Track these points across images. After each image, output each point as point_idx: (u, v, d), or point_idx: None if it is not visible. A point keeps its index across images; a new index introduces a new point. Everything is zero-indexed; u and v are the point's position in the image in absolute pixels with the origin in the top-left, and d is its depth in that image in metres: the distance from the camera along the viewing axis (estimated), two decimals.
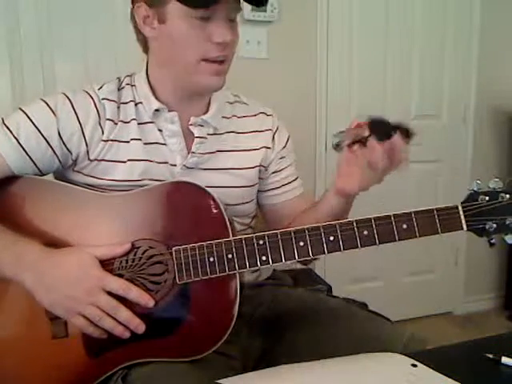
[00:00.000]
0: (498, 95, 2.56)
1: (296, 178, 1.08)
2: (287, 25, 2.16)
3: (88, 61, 1.91)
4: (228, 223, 0.83)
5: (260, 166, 1.02)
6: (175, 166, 0.94)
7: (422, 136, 2.60)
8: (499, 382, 0.77)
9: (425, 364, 0.75)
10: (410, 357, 0.78)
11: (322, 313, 0.98)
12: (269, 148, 1.03)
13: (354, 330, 0.92)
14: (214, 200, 0.84)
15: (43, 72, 1.87)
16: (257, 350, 0.98)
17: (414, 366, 0.75)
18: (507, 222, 0.80)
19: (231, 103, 1.03)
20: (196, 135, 0.95)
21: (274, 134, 1.05)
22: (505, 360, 0.78)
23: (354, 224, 0.80)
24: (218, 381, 0.76)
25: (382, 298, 2.04)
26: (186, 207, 0.85)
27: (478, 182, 0.82)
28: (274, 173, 1.05)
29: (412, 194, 2.45)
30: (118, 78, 0.99)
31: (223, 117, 1.00)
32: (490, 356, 0.79)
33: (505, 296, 2.75)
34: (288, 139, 1.07)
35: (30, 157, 0.88)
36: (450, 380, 0.71)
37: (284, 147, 1.06)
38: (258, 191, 1.06)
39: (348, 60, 2.31)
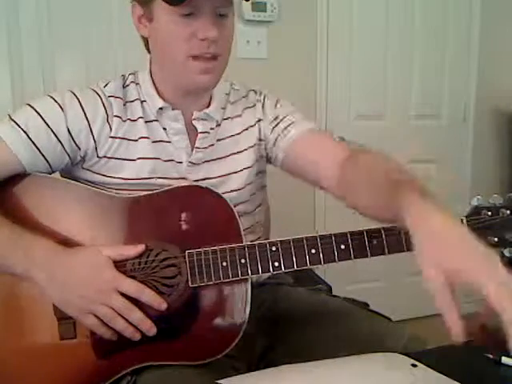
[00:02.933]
0: (498, 95, 2.56)
1: (297, 121, 1.00)
2: (287, 25, 2.16)
3: (88, 61, 1.91)
4: (241, 228, 0.84)
5: (258, 140, 1.01)
6: (181, 163, 0.94)
7: (422, 136, 2.60)
8: (499, 381, 0.77)
9: (425, 364, 0.75)
10: (410, 357, 0.78)
11: (323, 312, 0.98)
12: (261, 120, 1.02)
13: (354, 330, 0.92)
14: (227, 204, 0.84)
15: (43, 72, 1.87)
16: (259, 350, 0.98)
17: (414, 365, 0.75)
18: (507, 237, 0.84)
19: (227, 94, 1.03)
20: (200, 130, 0.95)
21: (263, 103, 1.03)
22: (505, 360, 0.78)
23: (365, 234, 0.82)
24: (219, 381, 0.76)
25: (382, 298, 2.04)
26: (200, 211, 0.85)
27: (479, 197, 0.85)
28: (271, 131, 1.01)
29: None
30: (123, 76, 0.99)
31: (221, 108, 1.00)
32: (490, 356, 0.79)
33: None
34: (277, 101, 1.04)
35: (40, 152, 0.87)
36: (450, 380, 0.71)
37: (274, 108, 1.02)
38: (268, 156, 1.03)
39: (348, 60, 2.31)
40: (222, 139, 0.99)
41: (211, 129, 0.97)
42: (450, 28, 2.45)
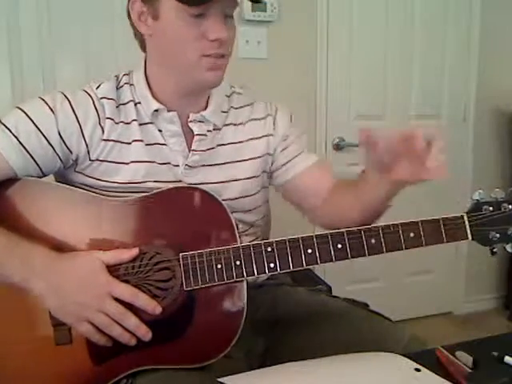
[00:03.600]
0: (498, 95, 2.56)
1: (304, 152, 1.05)
2: (287, 25, 2.15)
3: (88, 61, 1.91)
4: (236, 230, 0.83)
5: (266, 154, 1.01)
6: (178, 166, 0.93)
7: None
8: (502, 381, 0.77)
9: (425, 364, 0.75)
10: (410, 357, 0.78)
11: (323, 313, 0.98)
12: (271, 135, 1.01)
13: (354, 330, 0.92)
14: (221, 206, 0.83)
15: (43, 72, 1.87)
16: (258, 352, 0.98)
17: (418, 370, 0.74)
18: (509, 232, 0.83)
19: (229, 96, 1.02)
20: (196, 133, 0.94)
21: (275, 117, 1.03)
22: (508, 359, 0.78)
23: (362, 232, 0.81)
24: (220, 379, 0.76)
25: (382, 298, 2.04)
26: (194, 213, 0.84)
27: (480, 191, 0.84)
28: (281, 151, 1.02)
29: (411, 193, 2.44)
30: (116, 77, 0.97)
31: (222, 111, 0.99)
32: (495, 354, 0.79)
33: (505, 296, 2.75)
34: (290, 118, 1.05)
35: (31, 156, 0.86)
36: None
37: (287, 125, 1.03)
38: (272, 174, 1.04)
39: (348, 60, 2.30)
40: (223, 145, 0.97)
41: (208, 131, 0.95)
42: (449, 28, 2.45)
